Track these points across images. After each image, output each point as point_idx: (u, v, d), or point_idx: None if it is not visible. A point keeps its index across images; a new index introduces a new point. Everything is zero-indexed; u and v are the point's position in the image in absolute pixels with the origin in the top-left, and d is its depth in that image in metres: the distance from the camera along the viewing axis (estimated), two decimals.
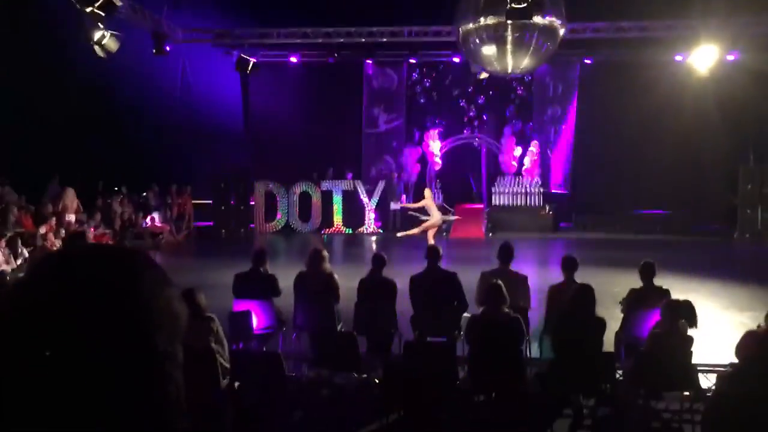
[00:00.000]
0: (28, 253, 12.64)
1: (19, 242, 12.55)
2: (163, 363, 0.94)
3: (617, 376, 6.01)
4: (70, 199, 15.83)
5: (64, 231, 14.25)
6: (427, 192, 15.48)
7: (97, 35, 13.10)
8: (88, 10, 12.20)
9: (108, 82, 16.56)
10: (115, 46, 13.51)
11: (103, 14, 12.52)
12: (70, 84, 16.43)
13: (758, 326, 5.68)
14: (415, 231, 15.26)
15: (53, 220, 14.26)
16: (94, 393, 0.87)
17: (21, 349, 0.87)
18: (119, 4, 13.20)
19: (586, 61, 20.28)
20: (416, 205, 15.62)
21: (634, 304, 6.91)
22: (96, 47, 13.20)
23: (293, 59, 20.79)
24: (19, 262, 12.15)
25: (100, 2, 12.20)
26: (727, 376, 5.22)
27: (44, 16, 14.38)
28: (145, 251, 1.07)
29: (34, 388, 0.86)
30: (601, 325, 5.89)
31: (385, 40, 18.81)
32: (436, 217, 14.85)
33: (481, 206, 20.21)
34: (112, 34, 13.37)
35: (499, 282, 5.90)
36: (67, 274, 0.93)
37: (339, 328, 7.28)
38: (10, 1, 15.13)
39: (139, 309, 0.92)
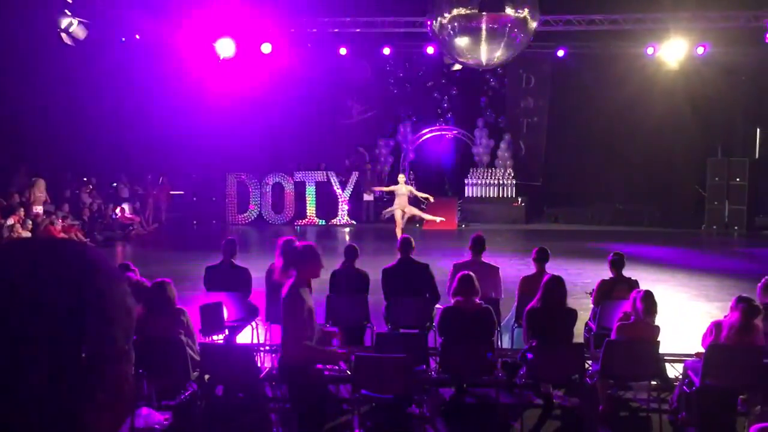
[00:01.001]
0: None
1: None
2: (120, 358, 0.93)
3: (587, 366, 6.08)
4: (40, 190, 15.54)
5: (31, 222, 14.01)
6: (401, 177, 15.55)
7: (64, 22, 12.84)
8: None
9: (77, 70, 16.25)
10: (83, 34, 13.27)
11: (70, 0, 12.27)
12: (39, 72, 16.09)
13: (724, 316, 5.78)
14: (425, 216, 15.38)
15: (21, 211, 14.00)
16: (48, 388, 0.86)
17: None
18: None
19: (558, 53, 20.38)
20: (387, 189, 15.68)
21: (603, 295, 6.99)
22: (63, 35, 12.94)
23: (266, 48, 20.59)
24: None
25: None
26: (694, 365, 5.28)
27: (11, 2, 14.05)
28: (94, 247, 1.05)
29: None
30: (572, 315, 5.95)
31: (358, 30, 18.72)
32: (400, 204, 15.01)
33: (454, 198, 20.27)
34: (80, 22, 13.11)
35: (470, 273, 5.92)
36: (22, 265, 0.91)
37: None
38: None
39: (98, 303, 0.91)
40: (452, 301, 5.91)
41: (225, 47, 17.75)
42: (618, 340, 5.74)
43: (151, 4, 17.01)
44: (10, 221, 13.42)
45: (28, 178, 16.68)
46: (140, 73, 18.19)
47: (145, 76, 18.57)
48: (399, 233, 14.55)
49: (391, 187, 15.83)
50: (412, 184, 21.23)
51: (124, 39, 16.47)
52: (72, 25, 12.93)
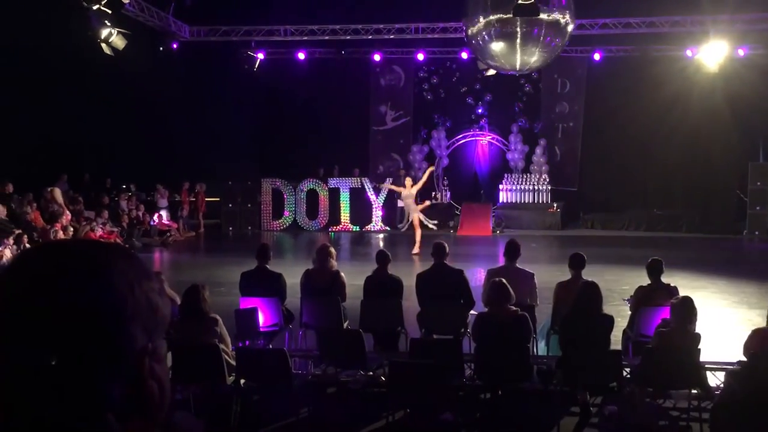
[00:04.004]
0: None
1: (26, 239, 12.61)
2: (142, 357, 0.93)
3: (624, 373, 5.98)
4: (58, 197, 15.73)
5: (72, 229, 14.34)
6: (408, 181, 15.51)
7: (104, 33, 13.12)
8: (95, 7, 12.22)
9: (116, 79, 16.58)
10: (122, 44, 13.53)
11: (109, 12, 12.54)
12: (77, 82, 16.46)
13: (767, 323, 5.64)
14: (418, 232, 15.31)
15: (64, 218, 14.34)
16: (68, 387, 0.86)
17: None
18: (125, 1, 13.22)
19: (594, 57, 20.16)
20: (395, 188, 15.61)
21: (641, 301, 6.87)
22: (103, 45, 13.21)
23: (300, 56, 20.78)
24: None
25: (106, 0, 12.21)
26: (736, 373, 5.18)
27: (53, 15, 14.40)
28: (124, 245, 1.06)
29: (5, 383, 0.85)
30: (609, 322, 5.86)
31: (392, 36, 18.78)
32: (408, 208, 15.06)
33: (488, 204, 20.16)
34: (119, 32, 13.38)
35: (503, 280, 5.88)
36: (39, 267, 0.92)
37: (345, 325, 7.26)
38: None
39: (112, 302, 0.90)
40: (486, 307, 5.87)
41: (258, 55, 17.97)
42: (657, 348, 5.64)
43: (190, 12, 17.30)
44: (57, 227, 13.76)
45: (69, 186, 17.07)
46: (178, 82, 18.49)
47: (183, 84, 18.87)
48: (419, 236, 14.65)
49: (399, 188, 15.77)
50: (446, 190, 21.22)
51: (162, 48, 16.75)
52: (111, 36, 13.20)
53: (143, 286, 0.94)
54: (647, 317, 6.56)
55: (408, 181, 15.57)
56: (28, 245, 12.50)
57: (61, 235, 13.56)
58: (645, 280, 7.09)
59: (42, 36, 15.38)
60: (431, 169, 16.55)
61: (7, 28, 15.14)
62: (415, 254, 14.69)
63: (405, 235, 18.51)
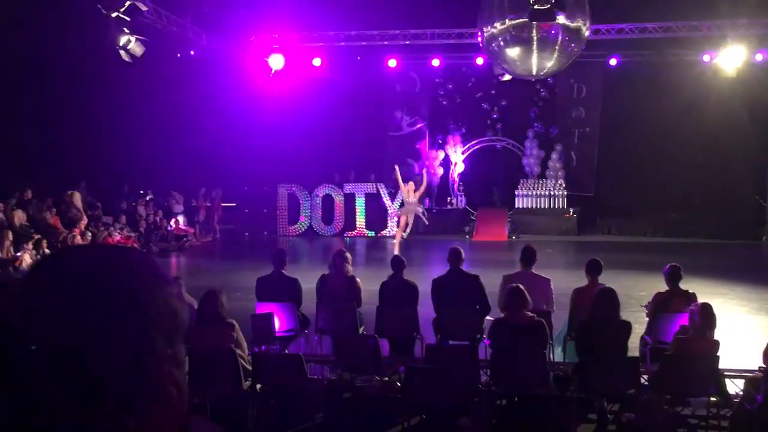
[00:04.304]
0: None
1: (45, 244, 12.74)
2: (161, 362, 0.93)
3: (642, 380, 5.93)
4: (77, 201, 15.89)
5: (91, 234, 14.47)
6: (410, 185, 15.44)
7: (122, 40, 13.25)
8: (114, 15, 12.34)
9: (134, 86, 16.75)
10: (140, 51, 13.64)
11: (128, 19, 12.65)
12: (96, 89, 16.63)
13: None
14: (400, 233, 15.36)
15: (81, 224, 14.49)
16: (86, 390, 0.87)
17: (11, 345, 0.88)
18: (144, 8, 13.33)
19: (610, 62, 20.06)
20: (399, 182, 15.47)
21: (659, 307, 6.82)
22: (121, 52, 13.33)
23: (316, 62, 20.86)
24: None
25: (125, 7, 12.33)
26: (755, 381, 5.12)
27: (70, 22, 14.57)
28: (143, 250, 1.06)
29: (24, 386, 0.86)
30: (627, 328, 5.82)
31: (408, 42, 18.80)
32: (408, 211, 15.05)
33: (504, 209, 20.10)
34: (137, 39, 13.50)
35: (520, 285, 5.85)
36: (59, 272, 0.92)
37: (361, 331, 7.27)
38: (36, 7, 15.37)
39: (133, 307, 0.91)
40: (502, 313, 5.85)
41: (276, 61, 18.07)
42: (675, 355, 5.59)
43: (207, 20, 17.43)
44: (75, 232, 13.90)
45: (87, 192, 17.23)
46: (194, 88, 18.62)
47: (199, 91, 19.00)
48: (399, 238, 14.80)
49: (401, 184, 15.50)
50: (461, 195, 21.19)
51: (179, 55, 16.88)
52: (130, 43, 13.32)
53: (162, 291, 0.95)
54: (665, 324, 6.50)
55: (411, 185, 15.30)
56: (47, 250, 12.63)
57: (79, 240, 13.69)
58: (663, 286, 7.03)
59: (62, 42, 15.59)
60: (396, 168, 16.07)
61: (28, 35, 15.38)
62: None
63: (419, 240, 18.51)
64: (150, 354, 0.91)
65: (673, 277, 6.93)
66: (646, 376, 6.08)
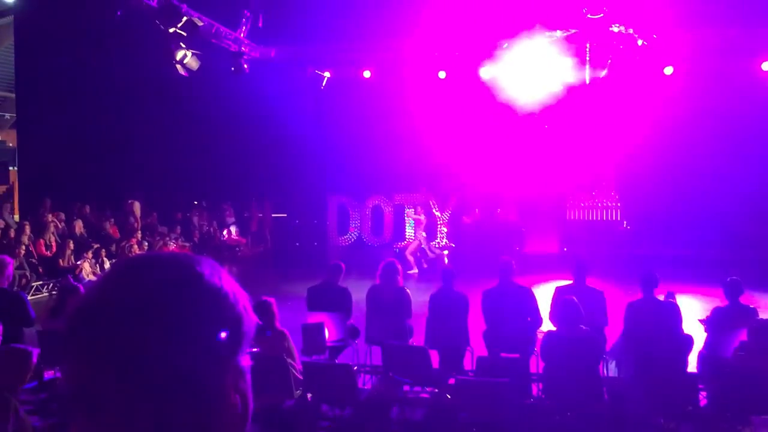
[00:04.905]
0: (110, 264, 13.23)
1: (104, 253, 13.11)
2: (226, 372, 0.93)
3: (701, 398, 5.75)
4: (137, 212, 16.32)
5: (147, 244, 14.84)
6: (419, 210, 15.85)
7: (179, 54, 13.59)
8: (171, 30, 12.68)
9: (189, 99, 17.15)
10: (196, 65, 13.97)
11: (185, 34, 12.99)
12: (152, 102, 17.09)
13: None
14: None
15: (138, 233, 14.87)
16: (154, 400, 0.87)
17: (79, 353, 0.89)
18: (200, 24, 13.67)
19: (665, 71, 19.65)
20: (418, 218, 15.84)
21: (719, 323, 6.61)
22: (178, 66, 13.68)
23: (366, 74, 21.01)
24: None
25: (182, 23, 12.66)
26: None
27: (133, 39, 15.04)
28: (213, 258, 1.06)
29: (92, 391, 0.88)
30: (686, 343, 5.66)
31: (457, 53, 18.78)
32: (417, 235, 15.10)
33: (555, 221, 19.83)
34: (193, 53, 13.84)
35: (574, 298, 5.76)
36: (129, 280, 0.93)
37: (410, 342, 7.25)
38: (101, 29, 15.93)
39: (201, 316, 0.91)
40: (555, 326, 5.76)
41: (325, 74, 18.26)
42: (736, 372, 5.41)
43: (260, 34, 17.75)
44: (132, 242, 14.30)
45: (144, 203, 17.70)
46: (248, 100, 18.95)
47: (253, 103, 19.33)
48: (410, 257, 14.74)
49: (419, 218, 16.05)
50: (509, 206, 21.00)
51: (233, 68, 17.21)
52: (186, 57, 13.67)
53: (230, 300, 0.94)
54: (725, 340, 6.30)
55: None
56: (105, 259, 13.00)
57: (136, 249, 14.04)
58: (722, 301, 6.82)
59: (127, 59, 16.11)
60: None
61: (103, 55, 15.91)
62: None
63: (469, 252, 18.40)
64: (215, 363, 0.91)
65: (733, 291, 6.71)
66: (705, 394, 5.91)
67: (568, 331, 5.61)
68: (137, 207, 15.42)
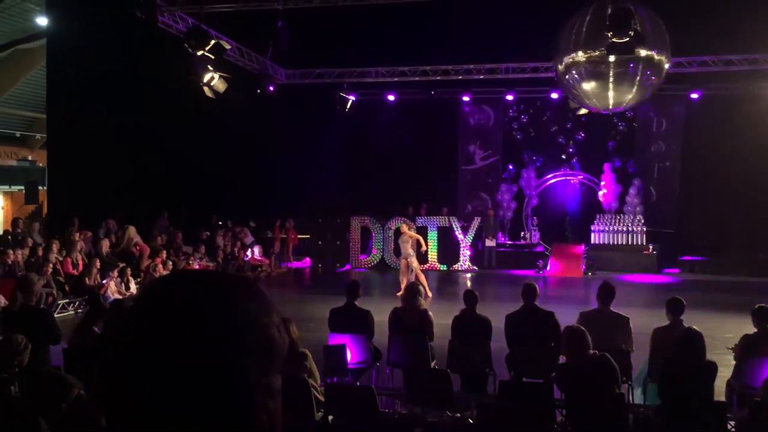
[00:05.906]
0: (137, 283, 13.34)
1: (129, 272, 13.24)
2: (254, 392, 0.93)
3: (729, 427, 5.63)
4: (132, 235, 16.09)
5: (172, 264, 14.98)
6: (404, 226, 15.50)
7: (206, 77, 13.81)
8: (199, 53, 12.90)
9: (216, 120, 17.37)
10: (223, 87, 14.19)
11: (212, 57, 13.20)
12: (183, 124, 17.33)
13: None
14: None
15: (164, 253, 15.00)
16: (184, 417, 0.88)
17: (114, 371, 0.91)
18: (228, 47, 13.89)
19: (692, 95, 19.54)
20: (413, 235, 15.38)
21: (747, 350, 6.49)
22: (205, 88, 13.90)
23: (390, 97, 21.16)
24: (133, 289, 12.88)
25: (210, 45, 12.88)
26: None
27: (161, 60, 15.31)
28: (250, 279, 1.06)
29: (127, 409, 0.89)
30: (712, 370, 5.56)
31: (482, 77, 18.87)
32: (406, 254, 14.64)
33: (581, 245, 19.66)
34: (221, 76, 14.05)
35: (576, 326, 5.70)
36: (164, 300, 0.94)
37: (432, 365, 7.21)
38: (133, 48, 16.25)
39: (229, 336, 0.91)
40: (564, 357, 5.70)
41: (348, 97, 18.41)
42: (765, 401, 5.29)
43: (284, 57, 17.99)
44: (157, 261, 14.43)
45: (169, 222, 17.88)
46: (273, 122, 19.15)
47: (278, 125, 19.53)
48: (404, 282, 13.77)
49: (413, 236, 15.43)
50: (535, 230, 20.90)
51: (258, 91, 17.45)
52: (213, 79, 13.88)
53: (263, 320, 0.95)
54: (754, 368, 6.18)
55: (405, 226, 16.04)
56: (131, 278, 13.14)
57: (161, 269, 14.17)
58: (750, 328, 6.70)
59: (151, 77, 16.39)
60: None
61: (123, 70, 16.24)
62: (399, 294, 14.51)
63: (491, 275, 18.31)
64: (244, 382, 0.92)
65: (762, 318, 6.59)
66: (733, 423, 5.78)
67: (578, 360, 5.54)
68: (132, 231, 15.39)
